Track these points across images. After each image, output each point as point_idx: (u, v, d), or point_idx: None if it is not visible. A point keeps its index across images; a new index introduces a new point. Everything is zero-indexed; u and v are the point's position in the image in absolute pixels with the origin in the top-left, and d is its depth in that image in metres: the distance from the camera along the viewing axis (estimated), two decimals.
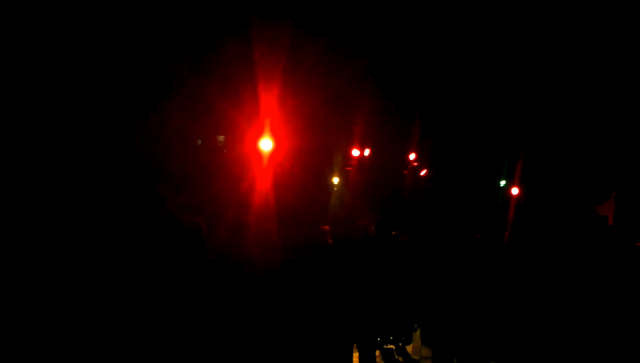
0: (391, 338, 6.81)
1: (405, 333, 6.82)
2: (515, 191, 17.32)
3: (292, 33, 12.70)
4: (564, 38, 17.71)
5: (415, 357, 7.07)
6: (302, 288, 5.23)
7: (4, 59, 8.86)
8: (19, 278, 4.72)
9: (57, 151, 8.94)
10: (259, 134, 10.55)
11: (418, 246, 6.73)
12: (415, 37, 18.20)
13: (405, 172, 22.06)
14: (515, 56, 19.01)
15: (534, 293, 5.97)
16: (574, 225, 11.47)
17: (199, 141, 16.80)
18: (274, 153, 10.46)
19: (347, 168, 18.29)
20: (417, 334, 6.88)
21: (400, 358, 7.10)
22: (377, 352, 6.71)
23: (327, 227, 6.91)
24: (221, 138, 16.41)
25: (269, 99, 11.71)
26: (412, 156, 22.16)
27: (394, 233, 6.90)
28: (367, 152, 18.90)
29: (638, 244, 8.07)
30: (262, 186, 9.57)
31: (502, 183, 22.17)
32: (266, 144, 10.36)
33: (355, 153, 17.93)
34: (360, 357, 6.12)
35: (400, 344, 7.04)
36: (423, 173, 23.33)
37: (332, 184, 17.74)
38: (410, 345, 7.11)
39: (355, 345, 6.03)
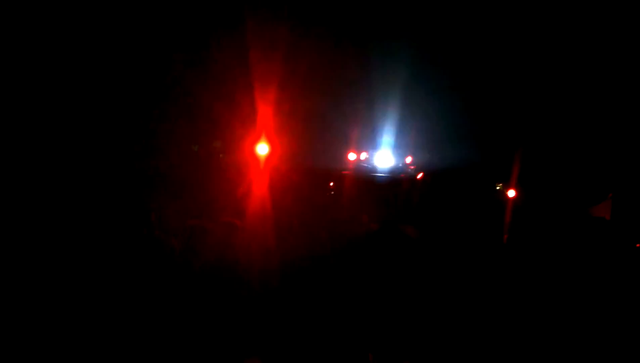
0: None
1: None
2: (512, 193, 17.32)
3: (289, 37, 12.70)
4: (558, 41, 17.74)
5: None
6: (300, 292, 5.21)
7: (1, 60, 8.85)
8: (15, 279, 4.71)
9: (49, 155, 8.91)
10: (255, 139, 10.54)
11: (419, 247, 6.73)
12: (411, 40, 18.21)
13: (402, 175, 22.06)
14: (512, 57, 19.03)
15: (533, 295, 5.96)
16: (571, 226, 11.47)
17: (196, 147, 16.78)
18: (270, 157, 10.44)
19: (344, 172, 18.28)
20: None
21: None
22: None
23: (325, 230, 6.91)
24: (217, 143, 16.38)
25: (266, 103, 11.70)
26: (408, 160, 22.17)
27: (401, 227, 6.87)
28: (363, 156, 18.89)
29: (638, 245, 8.08)
30: (258, 191, 9.55)
31: (499, 184, 22.20)
32: (262, 148, 10.35)
33: (352, 156, 17.92)
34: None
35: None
36: (419, 176, 23.32)
37: (329, 188, 17.71)
38: None
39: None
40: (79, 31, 9.88)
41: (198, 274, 4.92)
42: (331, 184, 17.79)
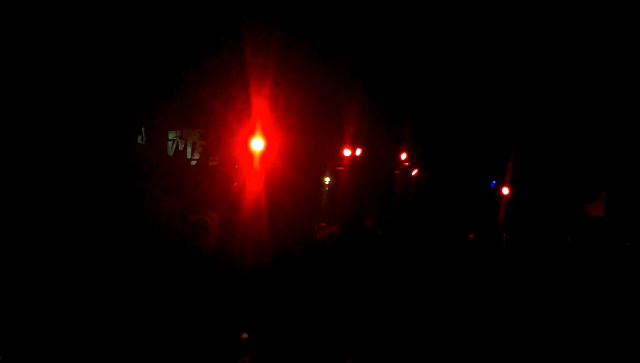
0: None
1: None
2: (506, 190, 17.37)
3: (283, 32, 12.66)
4: (553, 39, 17.76)
5: None
6: (294, 287, 5.20)
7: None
8: (14, 279, 4.69)
9: (44, 152, 8.86)
10: (250, 134, 10.51)
11: (412, 246, 6.73)
12: (407, 37, 18.19)
13: (397, 172, 22.09)
14: (507, 56, 19.05)
15: (528, 294, 5.97)
16: (566, 225, 11.51)
17: (191, 141, 16.75)
18: (265, 152, 10.41)
19: (339, 168, 18.26)
20: None
21: None
22: None
23: (323, 224, 6.87)
24: (211, 138, 16.33)
25: (260, 98, 11.66)
26: (403, 156, 22.19)
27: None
28: (358, 152, 18.87)
29: (628, 243, 8.10)
30: (253, 186, 9.53)
31: (494, 182, 22.30)
32: (257, 143, 10.31)
33: (347, 152, 17.89)
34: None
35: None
36: (414, 172, 23.36)
37: (323, 184, 17.70)
38: None
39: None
40: (72, 28, 9.81)
41: (193, 270, 4.89)
42: (326, 180, 17.79)
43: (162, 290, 4.50)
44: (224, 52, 12.39)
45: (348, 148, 17.81)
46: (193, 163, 15.88)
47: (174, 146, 16.11)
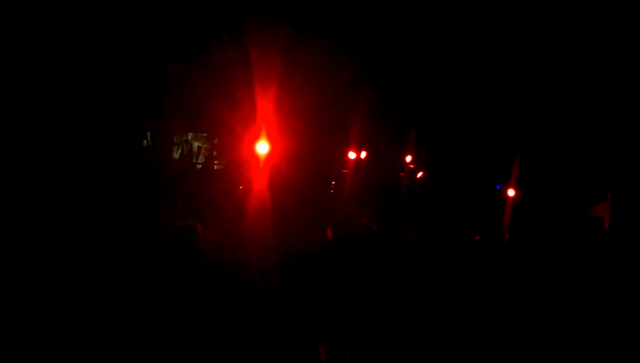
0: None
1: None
2: (511, 192, 17.32)
3: (288, 35, 12.67)
4: (556, 41, 17.73)
5: None
6: (300, 290, 5.20)
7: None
8: (15, 279, 4.70)
9: (44, 154, 8.87)
10: (255, 137, 10.52)
11: (419, 247, 6.71)
12: (412, 40, 18.19)
13: (402, 174, 22.06)
14: (512, 59, 19.03)
15: (533, 295, 5.95)
16: (571, 227, 11.47)
17: (197, 145, 16.80)
18: (270, 155, 10.42)
19: (344, 171, 18.26)
20: None
21: None
22: None
23: (329, 229, 6.87)
24: (215, 141, 16.39)
25: (265, 101, 11.67)
26: (408, 158, 22.16)
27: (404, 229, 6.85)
28: (363, 154, 18.87)
29: (639, 244, 8.05)
30: (258, 189, 9.54)
31: (499, 184, 22.24)
32: (262, 147, 10.32)
33: (352, 155, 17.89)
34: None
35: None
36: (419, 175, 23.33)
37: (329, 187, 17.72)
38: None
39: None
40: (72, 30, 9.83)
41: (190, 274, 4.90)
42: (332, 183, 17.80)
43: (159, 292, 4.52)
44: (229, 56, 12.41)
45: (353, 151, 17.81)
46: (198, 166, 15.92)
47: (180, 149, 16.16)
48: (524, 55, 18.70)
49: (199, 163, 16.08)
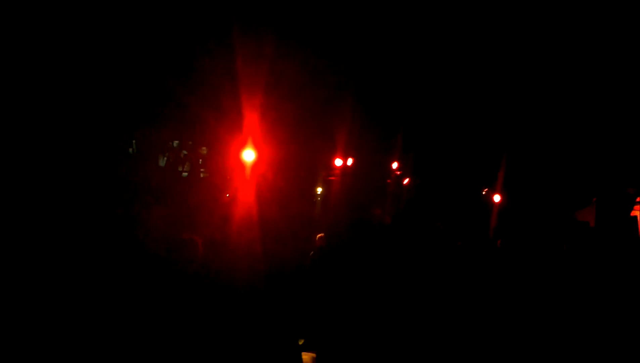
0: None
1: None
2: (497, 197, 17.42)
3: (274, 43, 12.69)
4: (542, 47, 17.89)
5: None
6: (287, 300, 5.19)
7: None
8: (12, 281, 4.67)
9: (33, 161, 8.81)
10: (241, 145, 10.50)
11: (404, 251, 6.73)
12: (397, 47, 18.28)
13: (389, 181, 22.12)
14: (496, 65, 19.17)
15: (519, 299, 5.98)
16: (556, 231, 11.54)
17: (183, 152, 16.73)
18: (256, 163, 10.40)
19: (330, 178, 18.26)
20: None
21: None
22: None
23: (321, 234, 6.87)
24: (204, 149, 16.34)
25: (251, 109, 11.67)
26: (394, 165, 22.23)
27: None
28: (350, 161, 18.88)
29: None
30: (244, 198, 9.51)
31: (485, 189, 22.38)
32: (249, 155, 10.30)
33: (338, 162, 17.89)
34: None
35: None
36: (406, 181, 23.41)
37: (315, 194, 17.71)
38: None
39: None
40: (59, 36, 9.78)
41: (184, 284, 4.88)
42: (318, 190, 17.80)
43: (151, 301, 4.50)
44: (215, 63, 12.40)
45: (339, 158, 17.82)
46: (184, 174, 15.84)
47: (165, 157, 16.07)
48: (509, 61, 18.86)
49: (185, 171, 16.01)
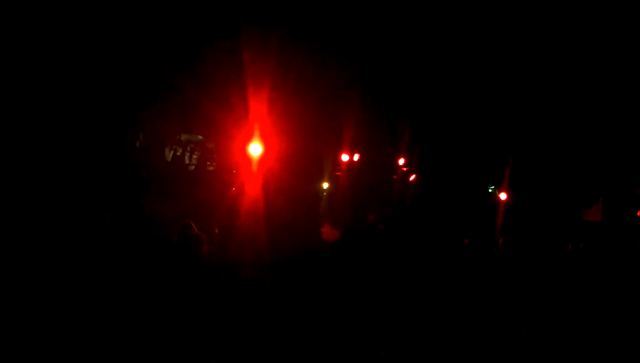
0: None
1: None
2: (503, 196, 17.37)
3: (281, 37, 12.68)
4: (548, 45, 17.83)
5: None
6: (292, 291, 5.20)
7: None
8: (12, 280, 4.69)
9: (40, 153, 8.85)
10: (248, 139, 10.51)
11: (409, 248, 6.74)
12: (405, 42, 18.23)
13: (395, 177, 22.09)
14: (505, 62, 19.11)
15: (525, 298, 5.97)
16: (563, 230, 11.53)
17: (190, 146, 16.76)
18: (262, 157, 10.41)
19: (337, 173, 18.26)
20: None
21: None
22: None
23: (323, 229, 6.89)
24: (210, 143, 16.37)
25: (258, 103, 11.68)
26: (401, 161, 22.19)
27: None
28: (356, 157, 18.87)
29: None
30: (251, 191, 9.54)
31: (491, 188, 22.34)
32: (255, 148, 10.31)
33: (345, 157, 17.88)
34: None
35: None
36: (412, 178, 23.37)
37: (321, 189, 17.70)
38: None
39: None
40: (65, 31, 9.80)
41: (188, 275, 4.90)
42: (324, 185, 17.79)
43: (159, 293, 4.51)
44: (222, 57, 12.41)
45: (346, 153, 17.81)
46: (191, 168, 15.88)
47: (172, 151, 16.11)
48: (518, 58, 18.79)
49: (192, 165, 16.04)
